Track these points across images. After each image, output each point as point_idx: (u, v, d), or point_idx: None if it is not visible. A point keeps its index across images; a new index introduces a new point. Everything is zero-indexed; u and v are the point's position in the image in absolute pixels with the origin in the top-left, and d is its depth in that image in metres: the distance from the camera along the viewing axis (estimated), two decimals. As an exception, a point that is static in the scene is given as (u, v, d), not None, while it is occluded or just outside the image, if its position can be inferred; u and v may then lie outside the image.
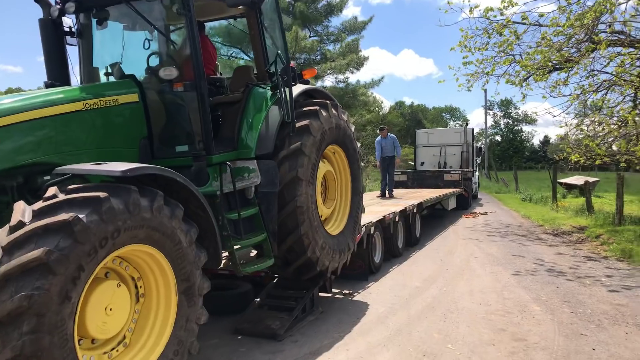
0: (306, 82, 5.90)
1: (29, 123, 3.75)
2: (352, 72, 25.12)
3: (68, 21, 4.93)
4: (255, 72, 5.58)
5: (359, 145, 6.63)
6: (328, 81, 25.49)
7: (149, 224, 3.33)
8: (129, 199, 3.20)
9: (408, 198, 12.46)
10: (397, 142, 14.07)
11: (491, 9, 10.48)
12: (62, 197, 3.05)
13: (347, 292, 6.79)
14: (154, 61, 4.92)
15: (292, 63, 5.28)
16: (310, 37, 24.65)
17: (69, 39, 4.95)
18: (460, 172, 17.75)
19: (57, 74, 4.86)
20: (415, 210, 10.63)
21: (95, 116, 4.20)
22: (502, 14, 10.45)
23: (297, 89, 5.56)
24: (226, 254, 4.91)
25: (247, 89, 5.14)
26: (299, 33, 21.32)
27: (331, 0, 25.53)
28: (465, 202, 18.11)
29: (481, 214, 16.73)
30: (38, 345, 2.67)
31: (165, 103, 4.62)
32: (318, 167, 5.47)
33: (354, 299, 6.54)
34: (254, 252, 5.63)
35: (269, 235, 4.91)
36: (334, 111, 5.76)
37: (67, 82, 4.86)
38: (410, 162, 23.25)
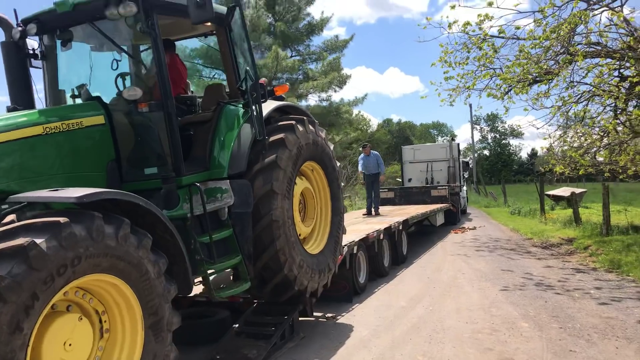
0: (280, 99, 5.78)
1: None
2: (335, 91, 25.05)
3: (34, 43, 4.80)
4: (228, 90, 5.45)
5: (339, 164, 6.48)
6: (311, 100, 25.48)
7: (113, 252, 3.16)
8: (92, 226, 3.04)
9: (394, 215, 12.33)
10: (380, 159, 14.00)
11: (469, 24, 10.49)
12: (20, 222, 2.90)
13: (330, 315, 6.56)
14: (122, 82, 4.77)
15: (263, 79, 5.16)
16: (291, 56, 24.63)
17: (34, 61, 4.81)
18: (447, 187, 17.72)
19: (20, 97, 4.70)
20: (401, 228, 10.48)
21: (58, 140, 4.04)
22: (480, 28, 10.47)
23: (271, 105, 5.44)
24: (200, 279, 4.72)
25: (218, 108, 4.99)
26: (279, 53, 21.27)
27: (312, 20, 25.64)
28: (454, 217, 18.07)
29: (470, 228, 16.62)
30: None
31: (132, 124, 4.46)
32: (295, 182, 5.31)
33: (337, 322, 6.32)
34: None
35: (244, 257, 4.71)
36: (310, 127, 5.64)
37: (31, 106, 4.69)
38: (398, 179, 23.21)
